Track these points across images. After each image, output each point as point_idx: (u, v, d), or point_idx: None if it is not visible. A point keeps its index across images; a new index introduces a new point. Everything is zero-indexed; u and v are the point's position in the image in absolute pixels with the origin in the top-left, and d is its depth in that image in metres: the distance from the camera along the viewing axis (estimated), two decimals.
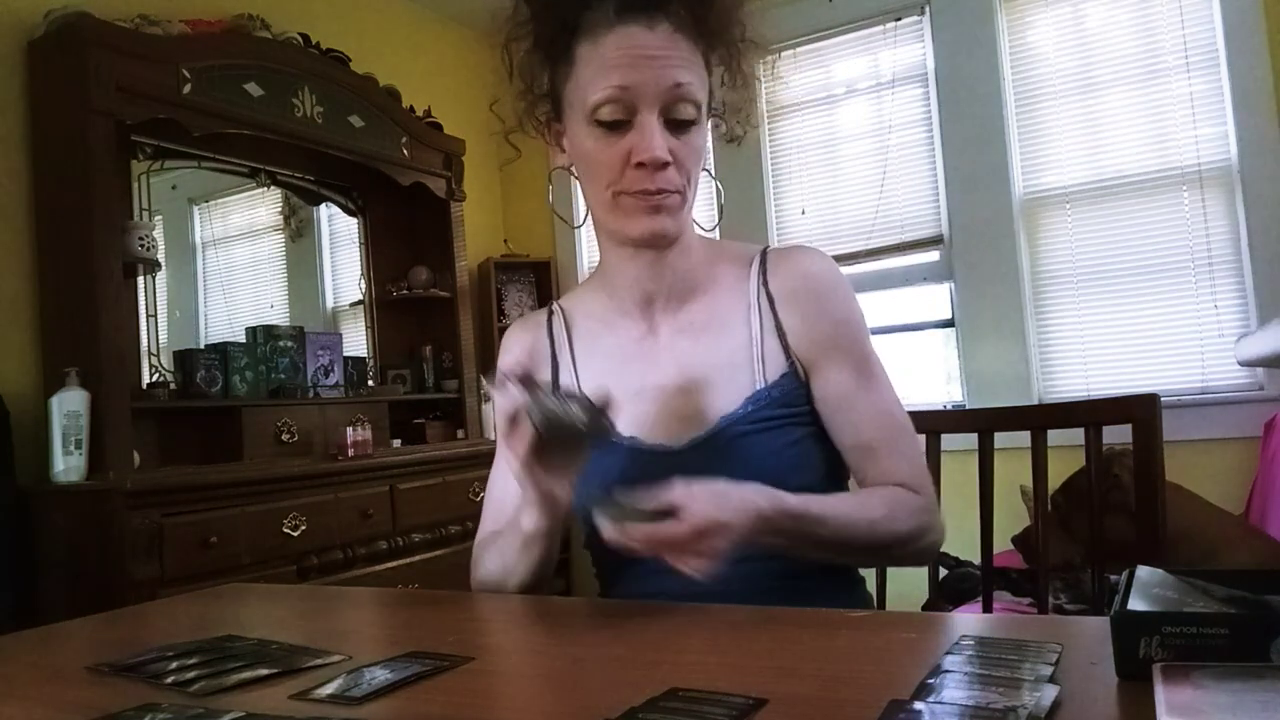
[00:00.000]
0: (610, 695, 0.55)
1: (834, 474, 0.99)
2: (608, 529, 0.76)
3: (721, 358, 0.97)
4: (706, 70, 0.93)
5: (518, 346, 1.09)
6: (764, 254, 1.01)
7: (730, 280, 1.01)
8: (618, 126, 0.89)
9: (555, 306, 1.10)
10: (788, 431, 0.94)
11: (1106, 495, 1.40)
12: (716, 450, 0.92)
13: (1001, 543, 1.41)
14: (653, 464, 0.92)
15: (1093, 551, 1.18)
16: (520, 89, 0.98)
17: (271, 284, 3.14)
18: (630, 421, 0.95)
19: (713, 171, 1.01)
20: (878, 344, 1.00)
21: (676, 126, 0.89)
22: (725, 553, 0.75)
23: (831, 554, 0.89)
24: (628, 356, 1.01)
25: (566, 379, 1.04)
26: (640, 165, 0.88)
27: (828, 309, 0.97)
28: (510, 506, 0.98)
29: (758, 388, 0.95)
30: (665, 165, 0.88)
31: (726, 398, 0.95)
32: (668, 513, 0.74)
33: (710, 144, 0.99)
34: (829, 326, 0.96)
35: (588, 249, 3.91)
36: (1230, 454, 2.66)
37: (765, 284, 0.99)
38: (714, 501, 0.76)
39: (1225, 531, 1.75)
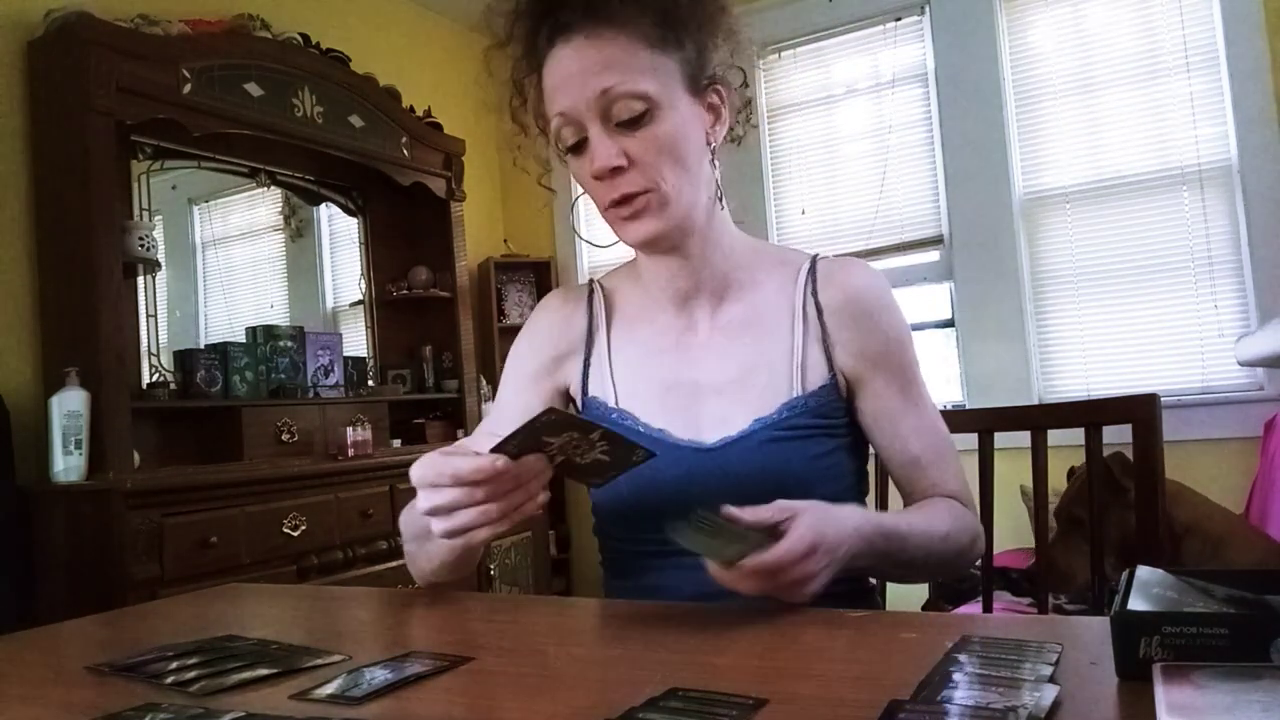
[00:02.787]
0: (610, 695, 0.55)
1: (859, 486, 1.00)
2: (714, 569, 0.72)
3: (761, 360, 0.96)
4: (678, 47, 0.88)
5: (553, 314, 1.07)
6: (814, 263, 1.00)
7: (775, 284, 1.00)
8: (579, 148, 0.89)
9: (596, 285, 1.08)
10: (820, 442, 0.94)
11: (1126, 494, 1.39)
12: (747, 451, 0.92)
13: (1001, 543, 1.41)
14: (682, 459, 0.92)
15: (1121, 554, 1.17)
16: (534, 125, 0.97)
17: (271, 284, 3.14)
18: (661, 414, 0.95)
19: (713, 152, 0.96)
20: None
21: (626, 126, 0.87)
22: (826, 574, 0.74)
23: (905, 570, 0.90)
24: (664, 348, 1.00)
25: (599, 360, 1.02)
26: (599, 179, 0.89)
27: (880, 326, 0.97)
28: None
29: (795, 395, 0.94)
30: (617, 171, 0.87)
31: (762, 400, 0.94)
32: (766, 530, 0.73)
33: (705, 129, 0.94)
34: (880, 344, 0.96)
35: (588, 249, 3.91)
36: (1230, 454, 2.67)
37: (815, 294, 0.98)
38: (820, 517, 0.74)
39: (1231, 528, 1.75)
